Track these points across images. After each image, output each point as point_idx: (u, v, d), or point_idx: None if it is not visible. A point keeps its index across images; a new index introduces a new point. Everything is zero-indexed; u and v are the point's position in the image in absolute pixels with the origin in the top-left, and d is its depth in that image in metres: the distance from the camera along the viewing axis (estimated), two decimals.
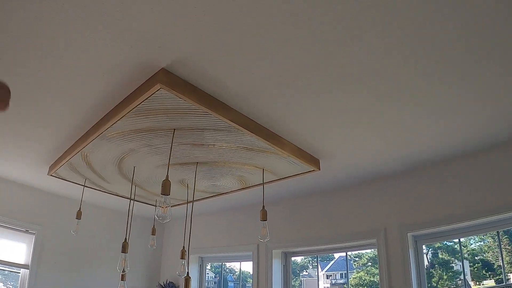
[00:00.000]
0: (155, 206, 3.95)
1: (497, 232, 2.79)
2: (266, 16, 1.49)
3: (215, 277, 4.66)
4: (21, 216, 3.84)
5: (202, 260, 4.51)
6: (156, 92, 1.90)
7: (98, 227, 4.47)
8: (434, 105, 2.10)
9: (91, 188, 3.55)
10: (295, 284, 3.69)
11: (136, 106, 2.04)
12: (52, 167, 3.30)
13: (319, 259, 3.75)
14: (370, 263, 3.69)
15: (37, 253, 3.83)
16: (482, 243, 3.06)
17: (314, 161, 2.78)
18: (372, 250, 3.29)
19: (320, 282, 3.62)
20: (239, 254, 4.00)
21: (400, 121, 2.26)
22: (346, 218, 3.24)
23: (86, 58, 1.83)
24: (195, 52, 1.73)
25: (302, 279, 3.91)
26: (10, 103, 1.08)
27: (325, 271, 3.88)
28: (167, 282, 4.48)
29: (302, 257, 3.81)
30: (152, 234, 3.42)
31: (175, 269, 4.50)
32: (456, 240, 2.96)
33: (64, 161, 2.99)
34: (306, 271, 4.01)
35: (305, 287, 3.84)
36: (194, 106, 2.01)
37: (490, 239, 3.01)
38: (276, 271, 3.55)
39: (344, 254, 3.55)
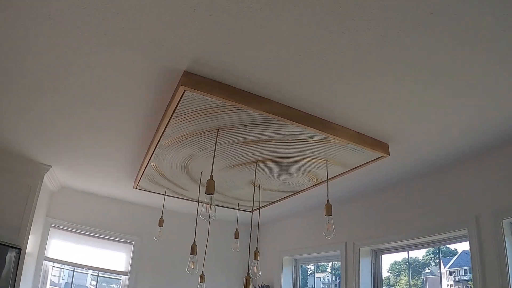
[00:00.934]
0: (238, 209, 3.99)
1: None
2: None
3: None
4: (120, 228, 4.22)
5: (296, 262, 4.41)
6: (184, 95, 1.90)
7: (189, 233, 4.67)
8: None
9: (172, 196, 3.74)
10: (417, 283, 3.34)
11: (173, 112, 2.07)
12: (135, 181, 3.56)
13: (440, 254, 3.36)
14: None
15: (136, 261, 4.17)
16: None
17: (380, 146, 2.49)
18: None
19: (443, 280, 3.21)
20: (329, 254, 3.80)
21: (491, 82, 1.86)
22: (432, 210, 2.82)
23: (120, 74, 1.93)
24: (210, 49, 1.68)
25: (424, 277, 3.55)
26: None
27: (448, 268, 3.46)
28: (263, 285, 4.48)
29: (424, 254, 3.43)
30: (235, 238, 3.45)
31: (271, 271, 4.50)
32: None
33: (140, 174, 3.19)
34: (428, 269, 3.63)
35: (427, 286, 3.47)
36: (225, 103, 1.95)
37: None
38: (364, 270, 3.28)
39: (467, 248, 3.10)
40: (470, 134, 2.31)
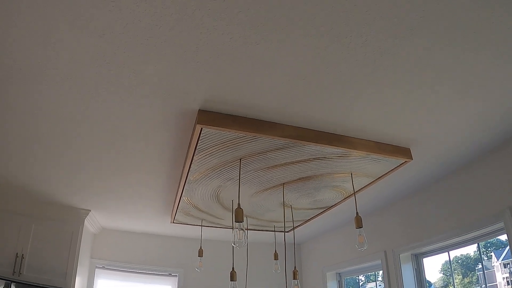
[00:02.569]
0: (274, 231, 4.04)
1: None
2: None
3: None
4: (162, 262, 4.36)
5: (340, 276, 4.38)
6: (202, 132, 2.01)
7: (229, 260, 4.74)
8: None
9: (209, 226, 3.84)
10: (472, 280, 3.26)
11: (195, 149, 2.18)
12: (171, 216, 3.70)
13: (493, 248, 3.28)
14: None
15: None
16: None
17: (402, 152, 2.50)
18: None
19: (498, 273, 3.12)
20: (371, 264, 3.77)
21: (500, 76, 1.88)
22: (464, 208, 2.77)
23: (139, 119, 2.09)
24: (218, 87, 1.80)
25: (478, 273, 3.45)
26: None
27: (501, 260, 3.36)
28: None
29: (475, 250, 3.33)
30: (275, 259, 3.49)
31: None
32: None
33: (175, 209, 3.32)
34: (481, 264, 3.53)
35: (482, 282, 3.37)
36: (240, 134, 2.05)
37: None
38: (407, 276, 3.23)
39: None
40: (486, 127, 2.28)
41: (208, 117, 1.97)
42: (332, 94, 1.89)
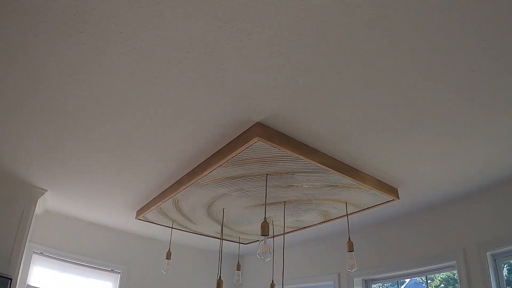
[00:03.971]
0: (239, 243, 4.13)
1: None
2: (350, 73, 1.64)
3: None
4: (106, 256, 4.14)
5: None
6: (253, 144, 2.08)
7: (180, 265, 4.70)
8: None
9: (178, 229, 3.79)
10: None
11: (233, 157, 2.23)
12: (140, 212, 3.58)
13: (389, 284, 3.74)
14: (443, 285, 3.62)
15: None
16: None
17: (393, 191, 2.85)
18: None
19: None
20: (320, 284, 4.06)
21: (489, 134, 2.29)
22: (423, 242, 3.25)
23: (187, 115, 2.06)
24: (286, 107, 1.91)
25: None
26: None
27: None
28: None
29: (379, 284, 3.81)
30: (237, 270, 3.57)
31: None
32: None
33: (154, 207, 3.24)
34: None
35: None
36: (287, 154, 2.17)
37: None
38: None
39: (416, 277, 3.53)
40: (464, 180, 2.76)
41: (266, 131, 2.05)
42: (367, 135, 2.15)
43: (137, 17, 1.40)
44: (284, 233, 3.04)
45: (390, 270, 3.43)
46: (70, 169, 2.87)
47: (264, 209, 2.86)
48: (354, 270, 2.66)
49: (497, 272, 2.84)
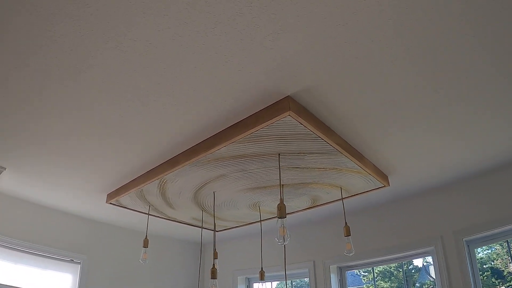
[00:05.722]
0: (214, 230, 3.97)
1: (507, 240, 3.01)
2: (383, 60, 1.64)
3: None
4: (65, 245, 3.77)
5: (248, 281, 4.54)
6: (282, 119, 1.98)
7: (138, 251, 4.42)
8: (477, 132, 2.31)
9: (154, 215, 3.55)
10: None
11: (257, 131, 2.09)
12: (112, 195, 3.29)
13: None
14: (379, 277, 3.82)
15: (84, 282, 3.76)
16: (489, 251, 3.22)
17: (384, 178, 2.93)
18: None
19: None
20: (296, 272, 4.05)
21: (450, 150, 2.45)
22: (401, 229, 3.39)
23: (205, 80, 1.86)
24: (322, 82, 1.85)
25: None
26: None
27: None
28: None
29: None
30: (215, 258, 3.43)
31: None
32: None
33: (133, 189, 2.98)
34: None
35: None
36: (308, 132, 2.11)
37: (498, 247, 3.17)
38: (333, 286, 3.64)
39: (391, 263, 3.68)
40: (444, 171, 2.97)
41: (297, 107, 1.98)
42: (378, 124, 2.20)
43: None
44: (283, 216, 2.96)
45: (366, 257, 3.52)
46: (32, 139, 2.45)
47: (253, 194, 2.76)
48: (351, 254, 2.68)
49: (471, 257, 3.05)
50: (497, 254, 3.18)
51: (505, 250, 3.12)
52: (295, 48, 1.63)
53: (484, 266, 3.16)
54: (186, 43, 1.60)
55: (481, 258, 3.21)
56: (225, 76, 1.81)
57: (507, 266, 3.09)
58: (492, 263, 3.17)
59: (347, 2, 1.40)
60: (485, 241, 3.07)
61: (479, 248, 3.15)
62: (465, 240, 3.06)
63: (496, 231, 2.94)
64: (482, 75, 1.83)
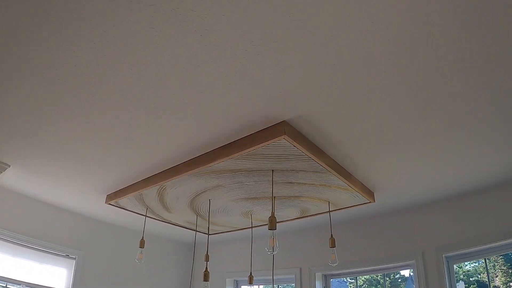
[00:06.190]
0: (208, 234, 4.14)
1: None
2: (377, 91, 1.83)
3: None
4: (62, 240, 3.91)
5: (237, 283, 4.71)
6: (277, 142, 2.16)
7: (134, 251, 4.59)
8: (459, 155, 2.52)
9: (151, 217, 3.72)
10: None
11: (252, 150, 2.28)
12: (112, 196, 3.45)
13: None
14: (365, 285, 4.02)
15: (78, 277, 3.91)
16: (476, 264, 3.40)
17: (370, 195, 3.12)
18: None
19: None
20: (283, 277, 4.24)
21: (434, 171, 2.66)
22: (385, 242, 3.59)
23: (209, 103, 2.05)
24: (316, 110, 2.03)
25: None
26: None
27: None
28: None
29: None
30: (206, 260, 3.59)
31: None
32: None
33: (134, 192, 3.14)
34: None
35: None
36: (301, 153, 2.29)
37: (484, 261, 3.35)
38: None
39: (373, 274, 3.88)
40: (429, 191, 3.17)
41: (292, 132, 2.15)
42: (368, 147, 2.37)
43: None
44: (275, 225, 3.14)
45: (350, 267, 3.72)
46: (40, 142, 2.60)
47: (248, 203, 2.94)
48: (335, 264, 2.87)
49: (450, 272, 3.26)
50: (484, 268, 3.33)
51: (491, 264, 3.31)
52: (294, 82, 1.81)
53: (471, 279, 3.34)
54: (195, 72, 1.77)
55: (468, 271, 3.38)
56: (227, 102, 1.99)
57: (493, 280, 3.28)
58: (479, 276, 3.34)
59: (342, 45, 1.58)
60: (464, 257, 3.28)
61: (466, 262, 3.35)
62: (444, 256, 3.27)
63: (475, 249, 3.15)
64: (470, 106, 2.01)
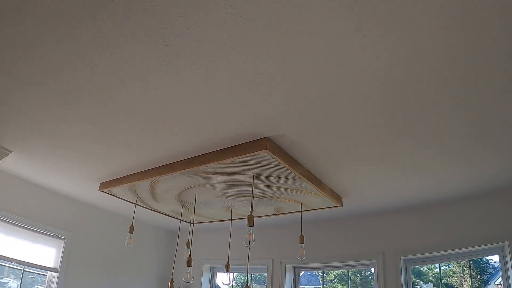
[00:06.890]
0: (193, 223, 4.51)
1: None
2: (350, 115, 2.22)
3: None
4: (52, 221, 4.21)
5: (213, 270, 5.12)
6: (260, 154, 2.54)
7: (124, 236, 4.89)
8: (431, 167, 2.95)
9: (140, 206, 4.05)
10: None
11: (238, 158, 2.64)
12: (106, 185, 3.76)
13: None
14: (336, 280, 4.46)
15: (66, 257, 4.23)
16: (447, 267, 3.76)
17: (339, 200, 3.54)
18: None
19: None
20: (256, 267, 4.65)
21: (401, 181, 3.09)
22: (350, 242, 4.04)
23: (204, 120, 2.44)
24: (295, 129, 2.41)
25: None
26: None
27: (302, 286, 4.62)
28: None
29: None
30: (187, 247, 3.95)
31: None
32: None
33: (128, 183, 3.47)
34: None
35: None
36: (278, 163, 2.68)
37: (455, 264, 3.70)
38: (287, 283, 4.28)
39: (338, 269, 4.34)
40: (393, 198, 3.59)
41: (272, 146, 2.54)
42: (340, 160, 2.78)
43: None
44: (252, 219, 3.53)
45: (318, 261, 4.16)
46: (46, 134, 2.84)
47: (229, 200, 3.31)
48: (303, 259, 3.29)
49: (407, 274, 3.72)
50: (453, 272, 3.70)
51: (461, 269, 3.63)
52: (277, 108, 2.18)
53: (441, 281, 3.68)
54: (195, 98, 2.12)
55: (437, 273, 3.72)
56: (218, 119, 2.36)
57: (461, 284, 3.63)
58: (448, 279, 3.69)
59: (319, 81, 1.96)
60: (420, 261, 3.73)
61: (436, 264, 3.75)
62: (403, 259, 3.72)
63: (431, 254, 3.59)
64: (441, 128, 2.32)
